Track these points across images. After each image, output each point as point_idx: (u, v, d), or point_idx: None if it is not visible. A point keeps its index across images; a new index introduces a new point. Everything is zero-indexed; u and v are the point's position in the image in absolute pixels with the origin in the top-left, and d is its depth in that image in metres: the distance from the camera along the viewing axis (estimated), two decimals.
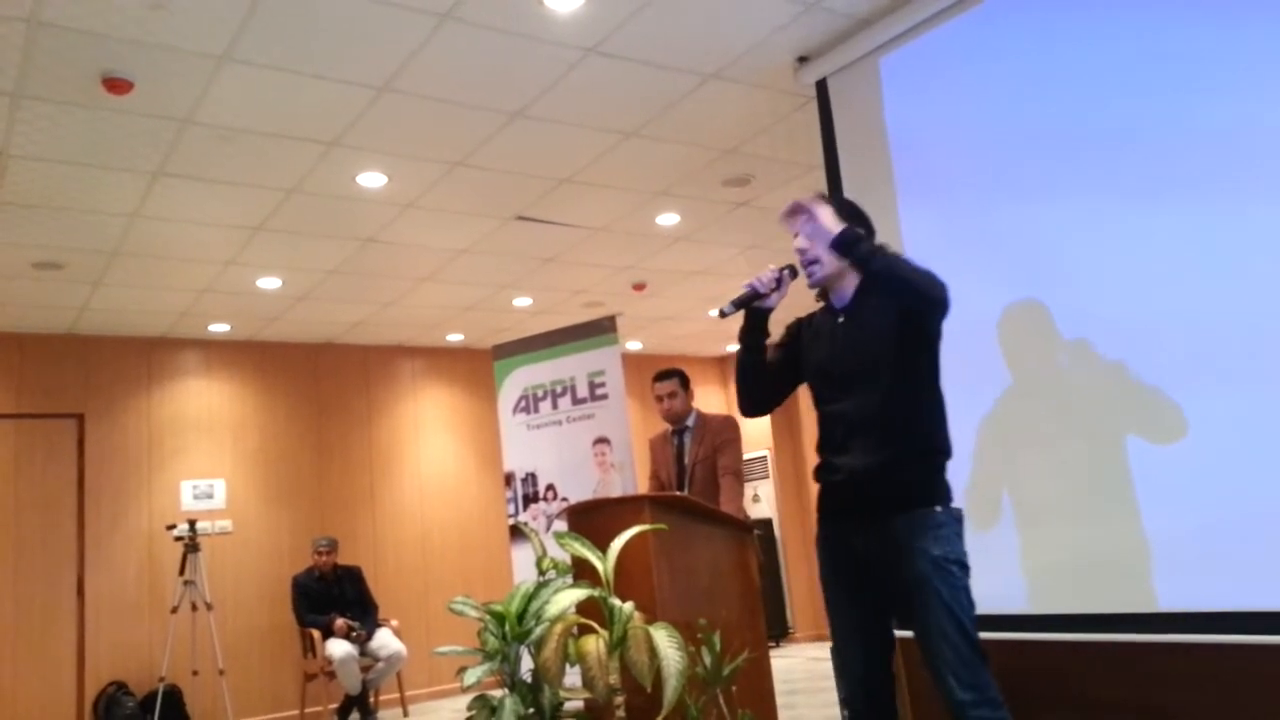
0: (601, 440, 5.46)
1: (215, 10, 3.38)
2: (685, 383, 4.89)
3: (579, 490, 5.29)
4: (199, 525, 6.92)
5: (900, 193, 3.69)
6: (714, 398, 9.60)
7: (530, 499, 5.68)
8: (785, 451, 9.60)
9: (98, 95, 3.83)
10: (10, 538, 6.70)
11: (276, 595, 7.30)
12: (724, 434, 4.70)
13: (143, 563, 7.08)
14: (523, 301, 7.42)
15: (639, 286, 7.32)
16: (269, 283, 6.39)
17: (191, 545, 6.73)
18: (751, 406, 2.73)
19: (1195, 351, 2.82)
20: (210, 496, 7.43)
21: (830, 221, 2.47)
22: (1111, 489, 3.00)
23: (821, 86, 4.03)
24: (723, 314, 2.62)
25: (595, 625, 2.77)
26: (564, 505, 4.99)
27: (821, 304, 2.69)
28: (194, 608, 6.68)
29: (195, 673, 6.71)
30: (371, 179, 4.92)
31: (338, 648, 6.54)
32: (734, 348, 2.86)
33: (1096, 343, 3.06)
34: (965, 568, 2.38)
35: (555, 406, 5.64)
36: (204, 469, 7.47)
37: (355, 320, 7.54)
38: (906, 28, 3.67)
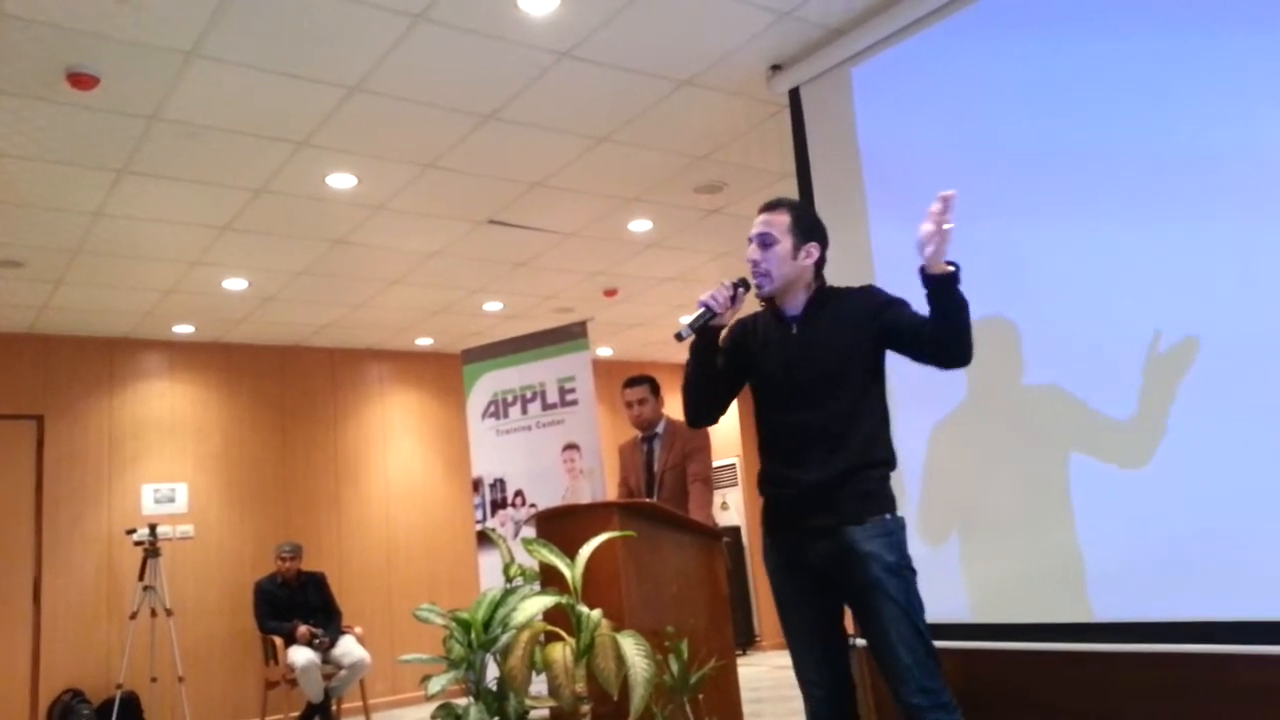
0: (571, 446, 5.44)
1: (184, 5, 3.33)
2: (655, 389, 4.88)
3: (548, 496, 5.26)
4: (160, 530, 6.79)
5: (870, 202, 3.71)
6: None
7: (498, 505, 5.64)
8: (754, 459, 9.58)
9: (62, 90, 3.76)
10: None
11: (238, 601, 7.19)
12: (694, 441, 4.69)
13: (101, 567, 6.95)
14: (493, 306, 7.38)
15: (610, 292, 7.31)
16: (235, 284, 6.31)
17: (152, 550, 6.61)
18: (700, 417, 2.70)
19: (1147, 367, 2.85)
20: (172, 500, 7.32)
21: (936, 258, 2.31)
22: (1056, 504, 3.05)
23: (794, 95, 4.05)
24: (679, 338, 2.59)
25: (562, 633, 2.74)
26: (532, 511, 4.96)
27: (764, 307, 2.67)
28: (153, 614, 6.56)
29: (154, 680, 6.59)
30: (341, 180, 4.87)
31: (300, 655, 6.45)
32: None
33: (1055, 361, 3.09)
34: (915, 573, 2.43)
35: (525, 412, 5.62)
36: (166, 472, 7.35)
37: (323, 323, 7.46)
38: (878, 38, 3.69)
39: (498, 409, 5.72)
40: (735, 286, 2.55)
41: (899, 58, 3.66)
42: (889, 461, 2.51)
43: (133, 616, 6.55)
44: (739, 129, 4.68)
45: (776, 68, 4.09)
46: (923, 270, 2.32)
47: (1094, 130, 3.04)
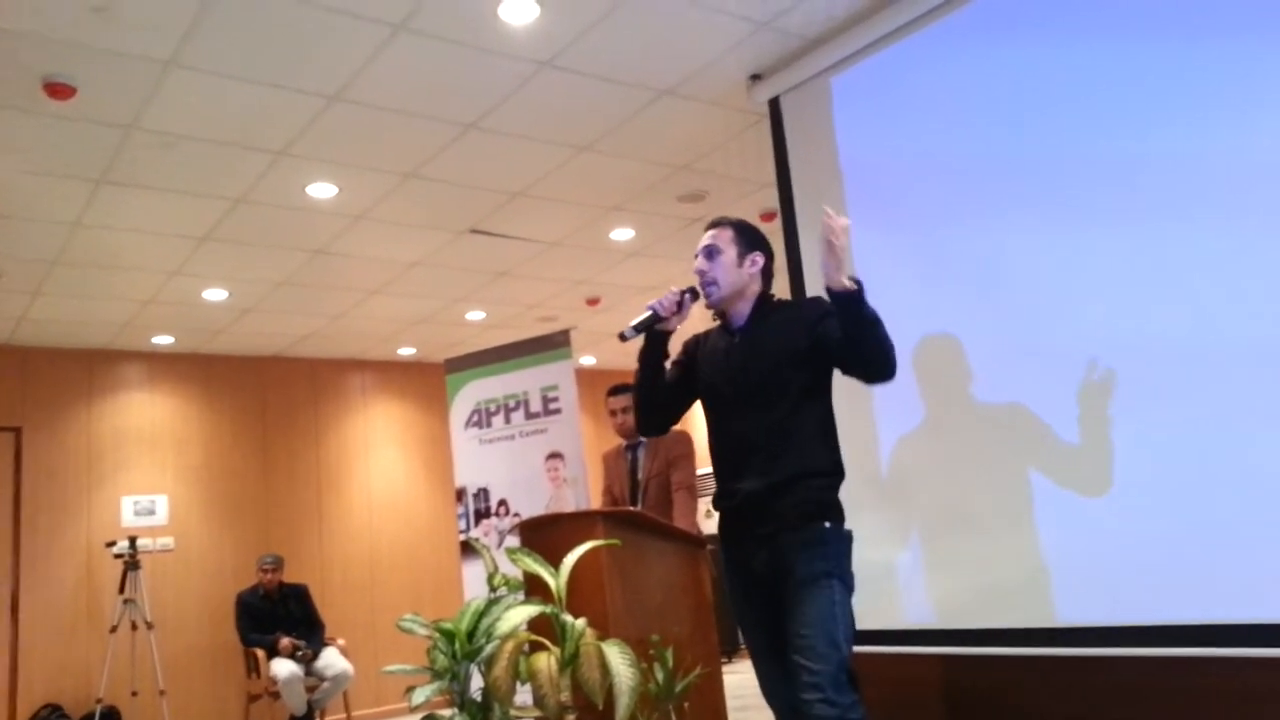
0: (555, 455, 5.43)
1: (162, 14, 3.31)
2: None
3: (531, 505, 5.25)
4: (140, 542, 6.74)
5: (851, 210, 3.72)
6: None
7: (482, 514, 5.62)
8: None
9: (39, 100, 3.74)
10: None
11: (219, 614, 7.13)
12: (677, 449, 4.69)
13: (81, 580, 6.88)
14: (476, 315, 7.37)
15: (593, 301, 7.31)
16: (215, 294, 6.27)
17: (132, 562, 6.55)
18: (650, 425, 2.75)
19: (1124, 373, 2.88)
20: (152, 513, 7.26)
21: (846, 269, 2.35)
22: (1028, 510, 3.09)
23: (774, 105, 4.07)
24: (623, 337, 2.62)
25: (547, 642, 2.74)
26: (516, 521, 4.94)
27: (718, 323, 2.70)
28: (134, 627, 6.50)
29: (135, 693, 6.52)
30: (322, 189, 4.85)
31: (282, 667, 6.41)
32: None
33: (1028, 370, 3.12)
34: (847, 586, 2.39)
35: (508, 421, 5.60)
36: (146, 484, 7.29)
37: (304, 333, 7.42)
38: (857, 48, 3.72)
39: (481, 418, 5.71)
40: (683, 293, 2.61)
41: (878, 67, 3.68)
42: (831, 471, 2.49)
43: (113, 630, 6.48)
44: (719, 138, 4.70)
45: (756, 77, 4.11)
46: (828, 290, 2.33)
47: (1072, 139, 3.07)
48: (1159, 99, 2.88)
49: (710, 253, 2.59)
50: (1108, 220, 2.97)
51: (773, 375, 2.47)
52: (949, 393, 3.37)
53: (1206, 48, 2.79)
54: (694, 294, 2.62)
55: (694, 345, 2.73)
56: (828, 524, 2.41)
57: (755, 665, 2.56)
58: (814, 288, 3.84)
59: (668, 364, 2.72)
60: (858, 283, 2.31)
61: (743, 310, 2.60)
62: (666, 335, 2.65)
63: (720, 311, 2.64)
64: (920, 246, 3.49)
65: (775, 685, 2.50)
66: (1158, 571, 2.80)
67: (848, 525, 2.47)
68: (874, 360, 2.38)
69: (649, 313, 2.59)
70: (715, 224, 2.66)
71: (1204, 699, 2.75)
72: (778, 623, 2.43)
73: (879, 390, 3.53)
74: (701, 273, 2.60)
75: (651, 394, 2.69)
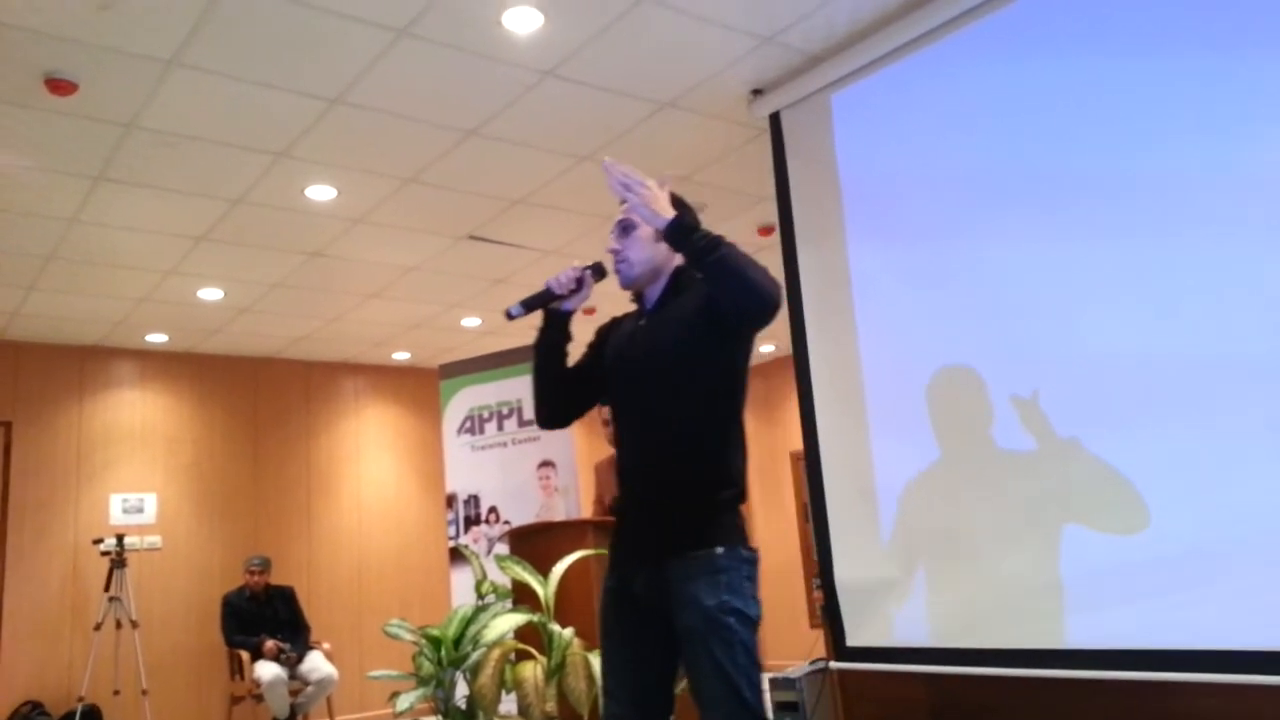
0: (546, 464, 5.43)
1: (165, 13, 3.32)
2: None
3: (522, 513, 5.25)
4: (127, 540, 6.70)
5: (849, 226, 3.75)
6: None
7: (472, 521, 5.62)
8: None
9: (40, 96, 3.73)
10: None
11: (205, 614, 7.09)
12: None
13: (66, 577, 6.84)
14: (471, 321, 7.36)
15: (589, 311, 7.29)
16: (210, 294, 6.26)
17: (118, 560, 6.52)
18: (545, 418, 2.40)
19: (1127, 393, 2.89)
20: (140, 511, 7.23)
21: (662, 206, 2.14)
22: (1029, 530, 3.07)
23: (774, 119, 4.09)
24: (509, 315, 2.30)
25: (534, 651, 2.73)
26: (506, 528, 4.94)
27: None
28: (118, 625, 6.46)
29: (117, 692, 6.48)
30: (320, 192, 4.85)
31: (266, 670, 6.37)
32: None
33: (1031, 384, 3.12)
34: (748, 619, 2.01)
35: (501, 428, 5.61)
36: (135, 483, 7.26)
37: (298, 335, 7.41)
38: (858, 66, 3.74)
39: (473, 425, 5.70)
40: (585, 269, 2.33)
41: (878, 85, 3.70)
42: (728, 484, 2.12)
43: (97, 628, 6.44)
44: (719, 151, 4.71)
45: (758, 92, 4.13)
46: (661, 234, 2.16)
47: (1071, 155, 3.09)
48: (1160, 114, 2.90)
49: (624, 228, 2.27)
50: (1108, 235, 2.98)
51: (670, 364, 2.14)
52: (945, 409, 3.37)
53: (1205, 62, 2.81)
54: (598, 271, 2.35)
55: (607, 329, 2.42)
56: (719, 549, 2.04)
57: (607, 693, 2.17)
58: (813, 303, 3.85)
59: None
60: (677, 215, 2.10)
61: (655, 290, 2.28)
62: (566, 316, 2.35)
63: (637, 293, 2.33)
64: (918, 262, 3.50)
65: (622, 711, 2.14)
66: (1152, 596, 2.80)
67: (749, 547, 2.11)
68: (735, 293, 2.03)
69: (544, 288, 2.31)
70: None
71: None
72: (649, 649, 2.11)
73: (874, 406, 3.54)
74: (614, 251, 2.28)
75: (545, 382, 2.36)
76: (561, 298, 2.31)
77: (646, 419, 2.18)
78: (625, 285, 2.31)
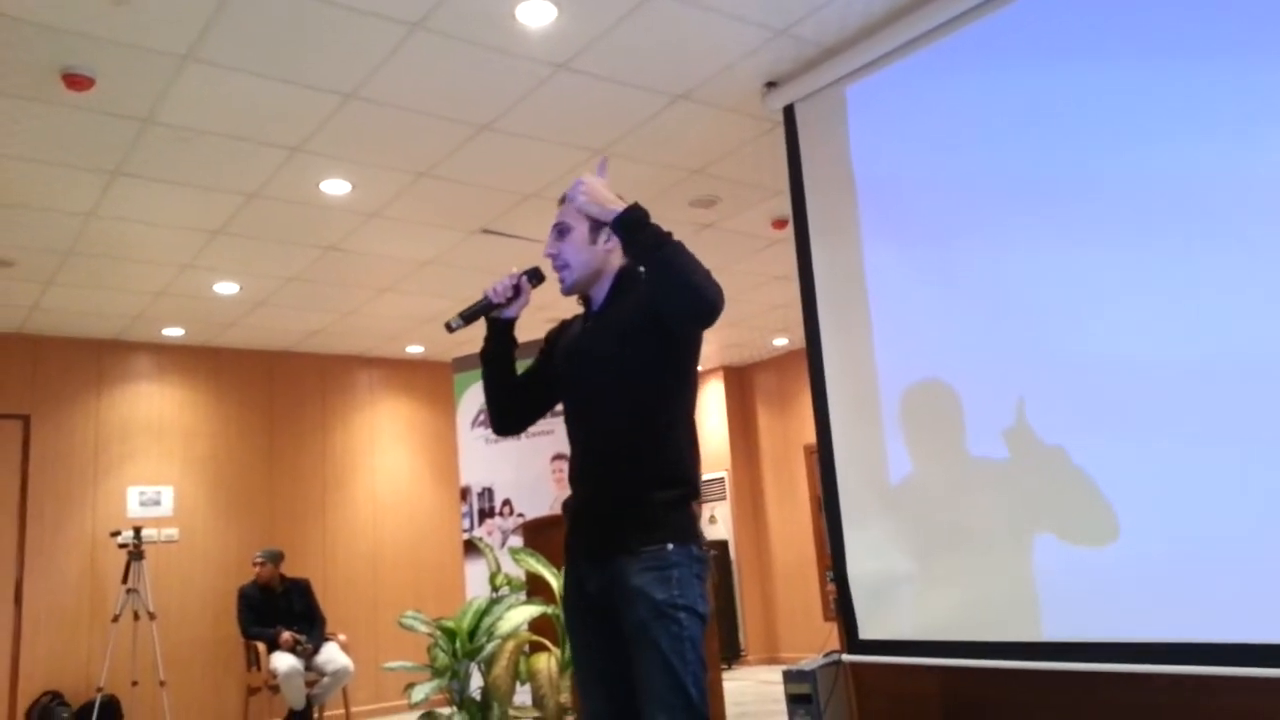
0: (560, 456, 5.44)
1: (180, 8, 3.33)
2: None
3: (536, 506, 5.26)
4: (144, 533, 6.76)
5: (863, 219, 3.73)
6: None
7: (486, 514, 5.64)
8: (743, 473, 9.63)
9: (57, 91, 3.76)
10: None
11: (222, 606, 7.15)
12: None
13: (84, 570, 6.91)
14: None
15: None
16: (226, 288, 6.30)
17: (136, 553, 6.58)
18: (499, 424, 2.41)
19: (1127, 393, 2.88)
20: (157, 503, 7.28)
21: (608, 198, 2.13)
22: (1036, 525, 3.07)
23: (789, 112, 4.07)
24: (449, 328, 2.29)
25: (548, 643, 2.74)
26: (520, 521, 4.96)
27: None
28: (136, 617, 6.52)
29: (135, 683, 6.54)
30: (335, 186, 4.87)
31: (283, 661, 6.42)
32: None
33: (1041, 386, 3.11)
34: (697, 616, 2.00)
35: None
36: (152, 475, 7.32)
37: (313, 329, 7.45)
38: (872, 58, 3.72)
39: (487, 418, 5.72)
40: (522, 275, 2.30)
41: (892, 78, 3.69)
42: (680, 482, 2.10)
43: (115, 619, 6.50)
44: (733, 144, 4.70)
45: (771, 84, 4.12)
46: (611, 227, 2.16)
47: (1085, 155, 3.07)
48: (1180, 115, 2.88)
49: (560, 231, 2.25)
50: (1122, 237, 2.96)
51: (615, 365, 2.13)
52: (957, 406, 3.36)
53: (1216, 66, 2.78)
54: (535, 277, 2.32)
55: (556, 332, 2.42)
56: (670, 545, 2.02)
57: (581, 698, 2.17)
58: (827, 297, 3.85)
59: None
60: (633, 208, 2.08)
61: (600, 292, 2.26)
62: (508, 324, 2.34)
63: (583, 296, 2.31)
64: (931, 257, 3.49)
65: None
66: (1156, 589, 2.79)
67: (701, 546, 2.10)
68: (677, 290, 2.03)
69: (482, 299, 2.29)
70: (566, 198, 2.29)
71: (1203, 717, 2.73)
72: (613, 651, 2.07)
73: (888, 400, 3.53)
74: (552, 256, 2.26)
75: (495, 390, 2.36)
76: (500, 306, 2.30)
77: (594, 420, 2.18)
78: (566, 290, 2.28)
